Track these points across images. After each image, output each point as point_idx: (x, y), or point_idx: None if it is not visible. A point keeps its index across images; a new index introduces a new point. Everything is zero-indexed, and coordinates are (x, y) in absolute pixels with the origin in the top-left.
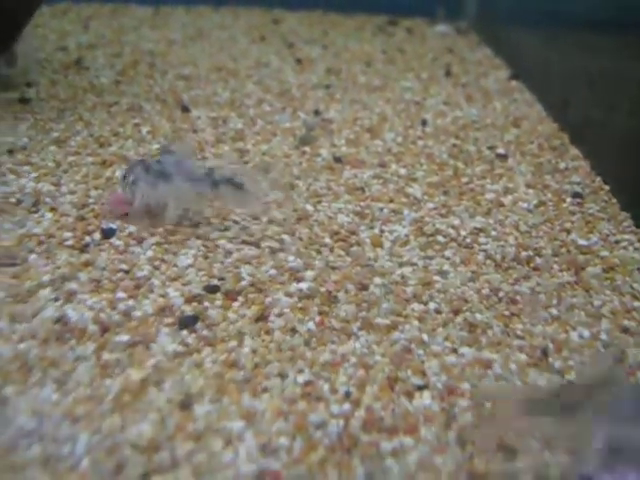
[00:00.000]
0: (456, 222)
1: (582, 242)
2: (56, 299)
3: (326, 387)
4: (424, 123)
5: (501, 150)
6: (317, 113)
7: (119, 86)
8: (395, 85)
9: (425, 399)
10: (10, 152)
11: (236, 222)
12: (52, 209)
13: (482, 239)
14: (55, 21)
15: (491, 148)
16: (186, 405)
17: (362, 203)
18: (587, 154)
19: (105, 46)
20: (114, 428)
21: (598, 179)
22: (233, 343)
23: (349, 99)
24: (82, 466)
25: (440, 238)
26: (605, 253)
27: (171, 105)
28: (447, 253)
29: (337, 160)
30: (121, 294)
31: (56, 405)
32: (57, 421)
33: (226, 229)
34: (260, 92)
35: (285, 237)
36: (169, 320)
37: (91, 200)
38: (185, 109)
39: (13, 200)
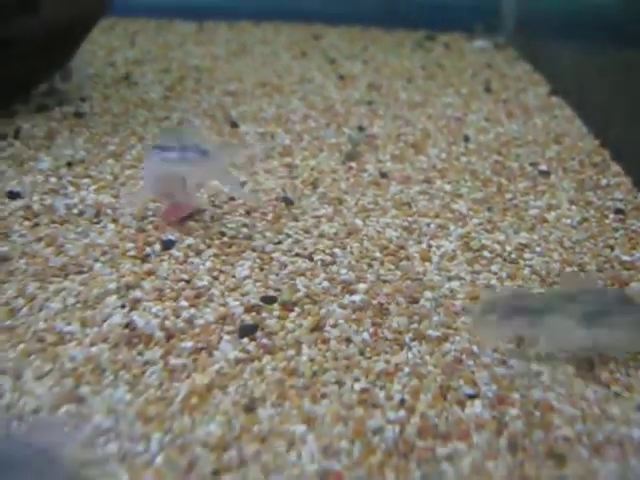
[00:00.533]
0: (501, 238)
1: (626, 258)
2: (123, 306)
3: (382, 395)
4: (466, 139)
5: (543, 167)
6: (361, 129)
7: (168, 101)
8: (436, 101)
9: (476, 407)
10: (69, 165)
11: (289, 235)
12: (113, 220)
13: (527, 255)
14: (103, 37)
15: (533, 164)
16: (250, 408)
17: (409, 218)
18: (628, 171)
19: (152, 62)
20: (184, 428)
21: None
22: (291, 352)
23: (391, 115)
24: (157, 462)
25: (486, 253)
26: None
27: (219, 120)
28: (493, 268)
29: (383, 175)
30: (183, 303)
31: (129, 405)
32: (131, 420)
33: (279, 242)
34: (305, 108)
35: (336, 250)
36: (230, 328)
37: (149, 212)
38: (234, 124)
39: (76, 211)
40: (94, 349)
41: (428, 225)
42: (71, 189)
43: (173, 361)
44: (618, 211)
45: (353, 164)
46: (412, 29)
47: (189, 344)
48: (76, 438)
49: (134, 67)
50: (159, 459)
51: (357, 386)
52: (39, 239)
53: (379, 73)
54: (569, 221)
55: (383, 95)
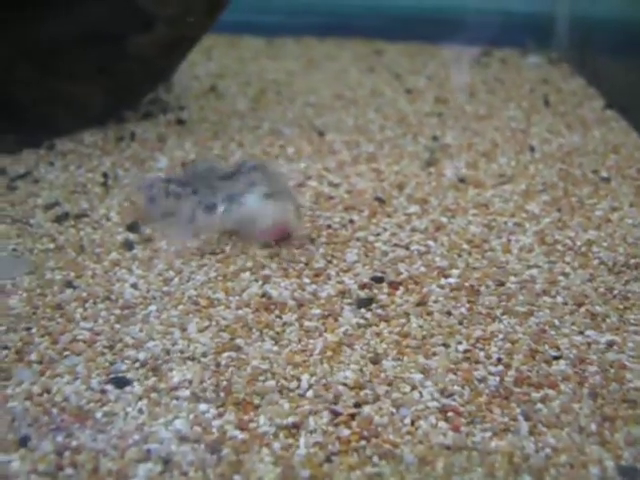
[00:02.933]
0: (571, 234)
1: None
2: (256, 280)
3: (482, 354)
4: (532, 149)
5: (604, 174)
6: (435, 139)
7: (256, 112)
8: (499, 114)
9: (561, 365)
10: (183, 165)
11: (385, 229)
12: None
13: (595, 249)
14: None
15: (595, 172)
16: (376, 361)
17: (488, 217)
18: None
19: (232, 75)
20: (325, 373)
21: None
22: (402, 320)
23: (460, 126)
24: (308, 395)
25: (559, 247)
26: None
27: (307, 129)
28: (567, 259)
29: (461, 180)
30: (306, 280)
31: (278, 354)
32: (282, 365)
33: (379, 234)
34: (381, 119)
35: (429, 242)
36: (348, 300)
37: None
38: (321, 133)
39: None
40: (240, 312)
41: (505, 223)
42: None
43: (307, 323)
44: None
45: (432, 170)
46: (467, 45)
47: (317, 311)
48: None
49: (217, 80)
50: (309, 393)
51: (460, 347)
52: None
53: (442, 88)
54: (631, 221)
55: (450, 108)
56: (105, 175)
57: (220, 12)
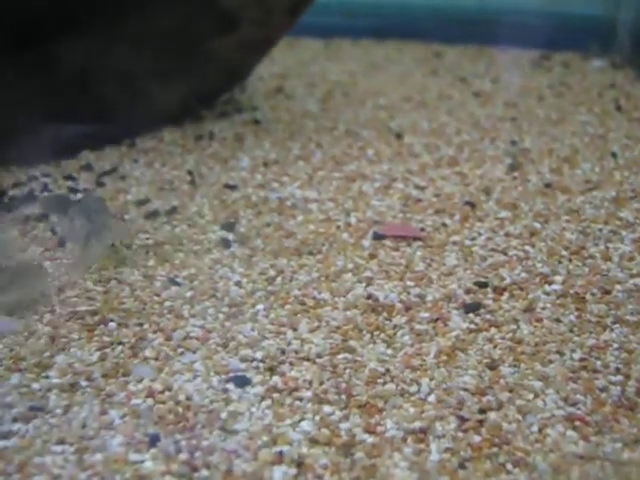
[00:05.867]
0: None
1: None
2: (359, 281)
3: (599, 363)
4: (614, 155)
5: None
6: (514, 143)
7: (327, 113)
8: (572, 118)
9: None
10: (265, 164)
11: (480, 233)
12: (323, 212)
13: None
14: None
15: None
16: (493, 367)
17: (582, 224)
18: None
19: (295, 76)
20: (444, 377)
21: None
22: (513, 326)
23: (536, 131)
24: (430, 399)
25: None
26: None
27: (383, 131)
28: None
29: (547, 185)
30: (409, 283)
31: (393, 357)
32: (400, 368)
33: (474, 238)
34: (454, 122)
35: (527, 248)
36: (454, 305)
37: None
38: (398, 136)
39: (289, 203)
40: (348, 313)
41: (600, 230)
42: (275, 185)
43: (417, 327)
44: None
45: (516, 174)
46: (526, 48)
47: (426, 315)
48: None
49: (282, 81)
50: (432, 398)
51: (575, 355)
52: (267, 224)
53: (509, 91)
54: None
55: (522, 112)
56: (190, 173)
57: (302, 12)
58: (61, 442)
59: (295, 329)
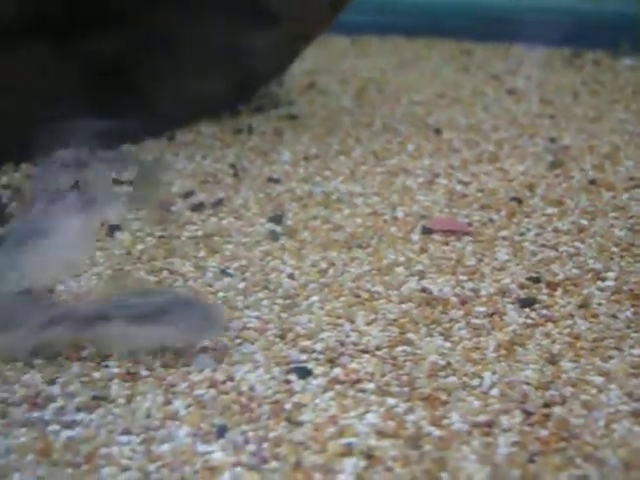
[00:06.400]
0: None
1: None
2: (411, 275)
3: None
4: None
5: None
6: (553, 140)
7: (362, 109)
8: (609, 116)
9: None
10: (306, 159)
11: (528, 229)
12: (369, 205)
13: None
14: None
15: None
16: (553, 362)
17: (630, 220)
18: None
19: (327, 73)
20: (505, 371)
21: None
22: (569, 322)
23: (575, 128)
24: (493, 393)
25: None
26: None
27: (421, 127)
28: None
29: (591, 182)
30: (462, 277)
31: (452, 350)
32: (460, 361)
33: (522, 234)
34: (491, 119)
35: (577, 244)
36: (509, 299)
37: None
38: (437, 131)
39: (334, 197)
40: (404, 306)
41: None
42: (318, 179)
43: (474, 320)
44: None
45: (559, 171)
46: (556, 46)
47: (482, 309)
48: None
49: (314, 77)
50: (494, 391)
51: (635, 352)
52: (314, 217)
53: (543, 88)
54: None
55: (558, 109)
56: (233, 166)
57: (342, 9)
58: (127, 432)
59: (352, 321)
